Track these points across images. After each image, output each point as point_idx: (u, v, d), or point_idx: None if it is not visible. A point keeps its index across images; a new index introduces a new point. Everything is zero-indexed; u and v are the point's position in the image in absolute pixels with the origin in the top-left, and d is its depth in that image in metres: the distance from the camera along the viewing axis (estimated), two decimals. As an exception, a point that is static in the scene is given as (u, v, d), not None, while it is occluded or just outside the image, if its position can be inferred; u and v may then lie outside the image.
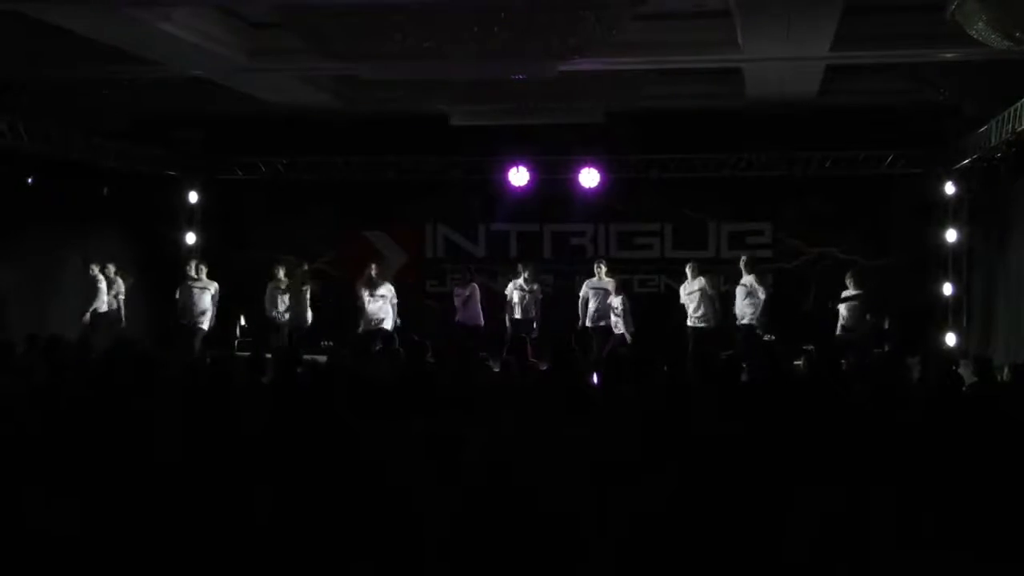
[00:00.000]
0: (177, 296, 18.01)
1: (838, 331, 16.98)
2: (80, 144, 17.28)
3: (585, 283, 17.84)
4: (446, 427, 6.76)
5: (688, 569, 5.27)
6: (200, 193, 20.67)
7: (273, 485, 5.84)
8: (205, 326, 17.80)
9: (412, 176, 19.84)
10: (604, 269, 17.83)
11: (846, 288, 17.03)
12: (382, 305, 17.65)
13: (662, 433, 6.56)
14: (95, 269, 17.63)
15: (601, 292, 17.57)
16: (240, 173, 20.39)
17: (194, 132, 19.97)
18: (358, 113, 18.55)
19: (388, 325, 17.29)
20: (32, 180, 17.31)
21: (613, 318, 17.23)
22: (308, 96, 17.45)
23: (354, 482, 5.82)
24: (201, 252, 20.50)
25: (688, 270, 17.55)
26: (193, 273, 18.16)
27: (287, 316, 17.99)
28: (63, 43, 13.70)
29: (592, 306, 17.57)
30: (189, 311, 17.82)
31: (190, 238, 20.62)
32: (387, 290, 17.82)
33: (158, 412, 7.40)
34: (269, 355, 10.58)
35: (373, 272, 17.92)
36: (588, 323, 17.46)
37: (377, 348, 12.35)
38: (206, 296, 17.90)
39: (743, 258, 17.57)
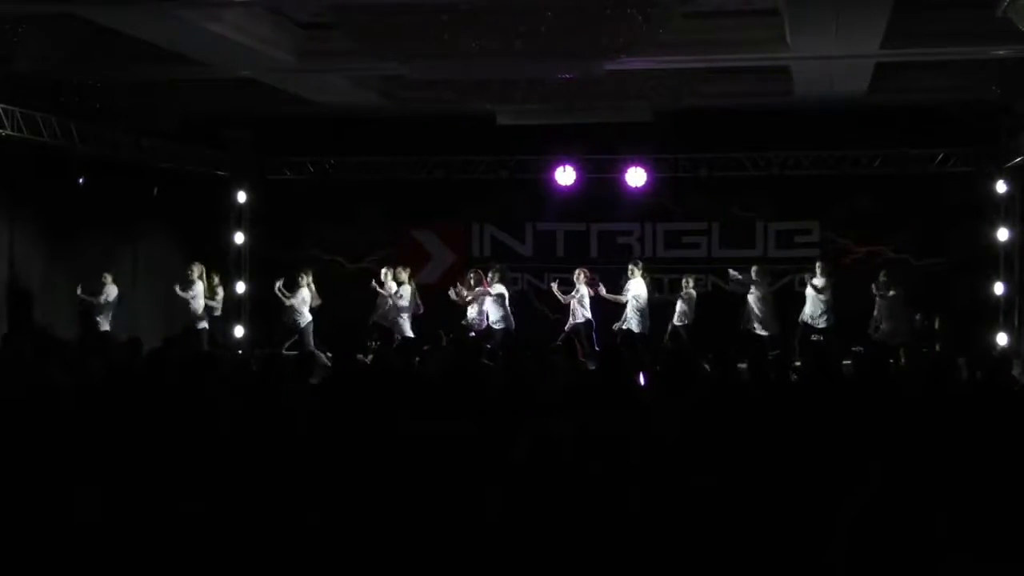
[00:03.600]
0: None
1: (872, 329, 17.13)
2: (130, 145, 17.43)
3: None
4: (495, 427, 6.77)
5: (735, 570, 5.25)
6: (249, 193, 20.74)
7: (322, 485, 5.86)
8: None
9: (459, 176, 19.85)
10: (639, 270, 17.97)
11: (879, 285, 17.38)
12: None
13: (711, 433, 6.54)
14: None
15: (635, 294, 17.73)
16: (288, 173, 20.48)
17: (243, 132, 20.07)
18: (405, 113, 18.62)
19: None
20: (83, 181, 17.47)
21: (574, 305, 17.72)
22: (356, 96, 17.52)
23: (401, 482, 5.84)
24: (249, 252, 20.65)
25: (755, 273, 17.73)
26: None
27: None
28: (114, 44, 13.83)
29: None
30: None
31: (239, 238, 20.72)
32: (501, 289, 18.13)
33: (209, 411, 7.45)
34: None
35: (472, 279, 18.13)
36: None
37: (426, 348, 12.38)
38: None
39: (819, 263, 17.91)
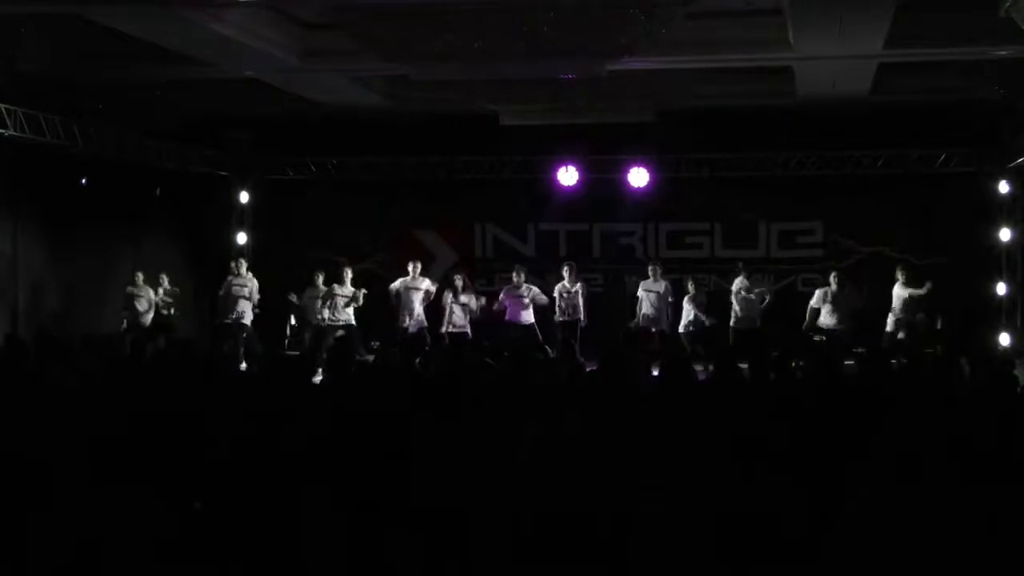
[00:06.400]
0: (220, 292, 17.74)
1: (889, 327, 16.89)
2: (133, 145, 17.44)
3: (640, 284, 17.87)
4: (497, 426, 6.77)
5: (743, 570, 5.25)
6: (251, 193, 20.75)
7: (326, 486, 5.86)
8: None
9: (462, 175, 19.84)
10: (659, 271, 17.80)
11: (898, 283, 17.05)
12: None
13: (718, 433, 6.54)
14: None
15: (654, 294, 17.59)
16: (290, 173, 20.48)
17: (245, 132, 20.07)
18: (408, 113, 18.60)
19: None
20: (85, 181, 17.48)
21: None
22: (358, 96, 17.52)
23: (402, 482, 5.84)
24: (252, 252, 20.58)
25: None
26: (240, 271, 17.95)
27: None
28: (116, 45, 13.84)
29: (646, 308, 17.59)
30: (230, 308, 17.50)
31: (241, 238, 20.71)
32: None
33: (210, 411, 7.44)
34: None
35: (459, 282, 17.61)
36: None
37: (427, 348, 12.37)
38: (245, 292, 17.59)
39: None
